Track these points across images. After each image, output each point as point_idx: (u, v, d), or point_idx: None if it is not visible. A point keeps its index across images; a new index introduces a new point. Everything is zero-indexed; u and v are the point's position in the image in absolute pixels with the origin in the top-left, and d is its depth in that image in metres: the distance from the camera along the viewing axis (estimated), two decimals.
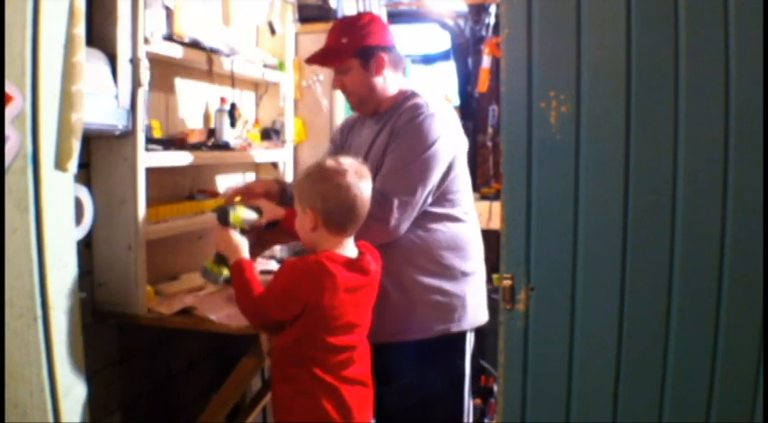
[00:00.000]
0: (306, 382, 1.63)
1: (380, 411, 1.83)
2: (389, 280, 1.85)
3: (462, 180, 1.98)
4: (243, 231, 1.76)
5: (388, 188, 1.80)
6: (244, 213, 1.78)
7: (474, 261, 2.00)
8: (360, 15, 2.06)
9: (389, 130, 1.89)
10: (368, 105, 1.99)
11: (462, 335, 1.99)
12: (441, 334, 1.93)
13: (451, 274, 1.94)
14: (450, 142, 1.89)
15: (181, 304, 2.02)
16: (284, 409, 1.69)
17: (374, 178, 1.78)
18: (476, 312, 1.99)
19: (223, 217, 1.75)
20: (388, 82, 1.97)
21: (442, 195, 1.91)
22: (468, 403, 2.06)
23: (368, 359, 1.75)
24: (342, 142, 2.13)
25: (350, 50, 1.93)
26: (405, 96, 1.96)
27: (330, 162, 1.67)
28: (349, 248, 1.68)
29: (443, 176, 1.88)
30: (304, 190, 1.66)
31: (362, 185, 1.65)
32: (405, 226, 1.83)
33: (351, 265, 1.65)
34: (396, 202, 1.79)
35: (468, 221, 1.99)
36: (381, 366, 1.81)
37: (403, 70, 2.04)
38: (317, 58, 2.02)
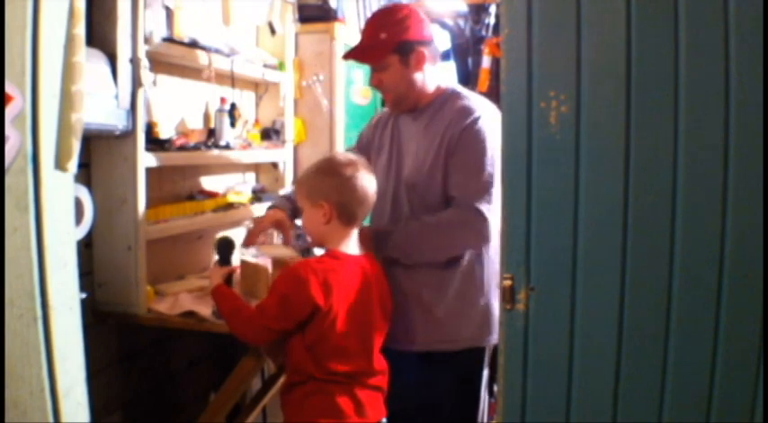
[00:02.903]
0: (318, 383, 1.63)
1: (393, 412, 1.83)
2: (426, 291, 1.85)
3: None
4: (224, 261, 1.84)
5: (474, 201, 1.79)
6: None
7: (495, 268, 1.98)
8: (397, 8, 1.98)
9: (444, 131, 1.85)
10: (406, 103, 1.94)
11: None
12: (474, 346, 1.92)
13: (481, 284, 1.91)
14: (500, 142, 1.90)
15: (184, 307, 2.02)
16: (296, 411, 1.67)
17: (419, 177, 1.80)
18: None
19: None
20: (428, 77, 1.92)
21: None
22: (484, 404, 2.04)
23: (385, 365, 1.74)
24: (372, 138, 2.07)
25: (389, 46, 1.86)
26: (446, 94, 1.93)
27: (339, 156, 1.73)
28: (353, 244, 1.70)
29: None
30: (316, 185, 1.68)
31: (370, 177, 1.69)
32: (495, 232, 1.80)
33: (355, 262, 1.66)
34: (485, 212, 1.78)
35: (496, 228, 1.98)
36: (397, 367, 1.80)
37: (439, 63, 1.99)
38: (356, 55, 1.97)
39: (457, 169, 1.83)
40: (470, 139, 1.82)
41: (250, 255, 1.99)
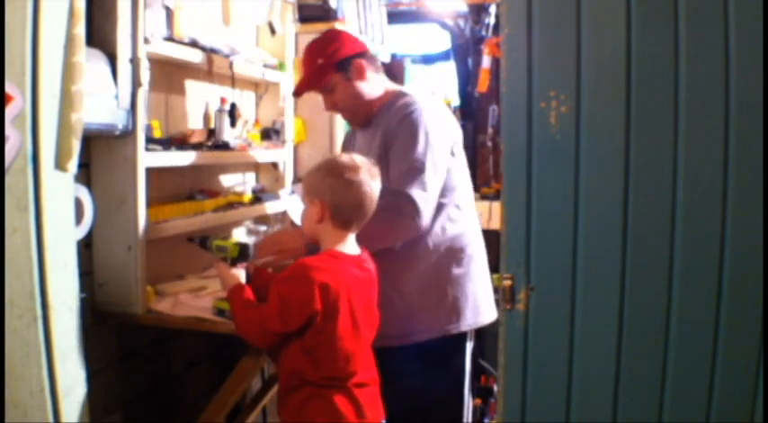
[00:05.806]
0: (314, 388, 1.62)
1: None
2: (388, 284, 1.85)
3: (460, 175, 2.00)
4: (233, 262, 1.80)
5: (403, 187, 1.83)
6: (221, 243, 1.84)
7: (472, 261, 2.00)
8: (325, 35, 2.15)
9: (383, 131, 1.93)
10: (361, 114, 2.04)
11: (462, 335, 1.99)
12: (440, 335, 1.94)
13: (448, 276, 1.95)
14: (444, 130, 1.94)
15: (187, 312, 2.01)
16: (295, 414, 1.65)
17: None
18: (475, 313, 1.99)
19: (202, 243, 1.86)
20: (374, 84, 2.02)
21: (440, 192, 1.92)
22: (468, 403, 2.06)
23: (373, 361, 1.74)
24: None
25: (329, 68, 1.99)
26: (393, 96, 2.00)
27: (344, 158, 1.70)
28: (350, 245, 1.69)
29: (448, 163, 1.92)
30: (315, 182, 1.68)
31: (373, 184, 1.66)
32: (429, 218, 1.86)
33: (353, 262, 1.65)
34: (415, 196, 1.82)
35: (464, 221, 1.99)
36: (382, 368, 1.81)
37: (382, 70, 2.09)
38: (303, 87, 2.08)
39: (392, 160, 1.89)
40: (403, 129, 1.89)
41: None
